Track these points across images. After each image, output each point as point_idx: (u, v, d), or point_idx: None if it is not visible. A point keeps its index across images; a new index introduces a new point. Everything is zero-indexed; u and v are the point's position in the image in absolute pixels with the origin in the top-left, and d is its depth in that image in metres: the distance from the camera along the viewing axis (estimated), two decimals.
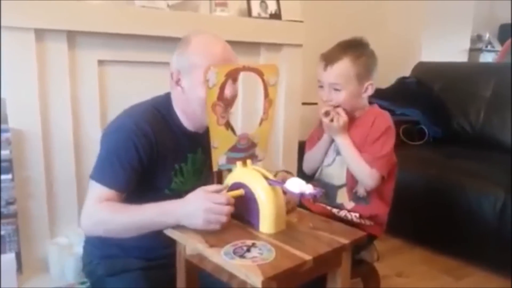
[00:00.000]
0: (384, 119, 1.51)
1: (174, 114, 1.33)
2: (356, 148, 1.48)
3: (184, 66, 1.26)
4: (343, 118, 1.47)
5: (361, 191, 1.52)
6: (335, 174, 1.55)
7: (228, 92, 1.20)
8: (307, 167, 1.65)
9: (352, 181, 1.51)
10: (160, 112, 1.32)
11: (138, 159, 1.22)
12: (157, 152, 1.25)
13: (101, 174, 1.23)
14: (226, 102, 1.20)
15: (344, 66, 1.46)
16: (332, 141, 1.55)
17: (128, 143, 1.21)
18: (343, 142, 1.49)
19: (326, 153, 1.58)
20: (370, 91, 1.51)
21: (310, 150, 1.64)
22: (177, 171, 1.26)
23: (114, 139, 1.26)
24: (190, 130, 1.33)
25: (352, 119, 1.51)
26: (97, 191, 1.22)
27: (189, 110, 1.28)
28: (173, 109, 1.33)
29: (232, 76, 1.15)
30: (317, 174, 1.61)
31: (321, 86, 1.51)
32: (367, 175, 1.46)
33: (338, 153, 1.54)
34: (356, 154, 1.47)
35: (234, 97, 1.27)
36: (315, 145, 1.62)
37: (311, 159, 1.63)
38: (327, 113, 1.49)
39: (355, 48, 1.50)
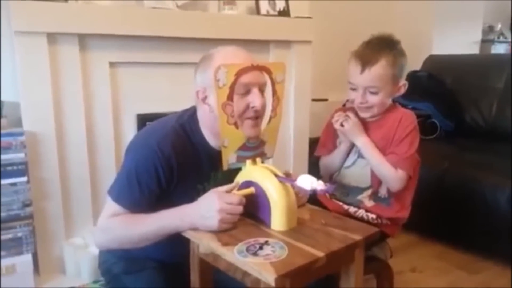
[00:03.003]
0: (410, 119, 1.48)
1: (200, 133, 1.31)
2: (379, 148, 1.45)
3: (210, 82, 1.16)
4: (352, 120, 1.45)
5: (382, 192, 1.50)
6: (355, 176, 1.52)
7: (257, 103, 1.19)
8: (326, 172, 1.61)
9: (377, 184, 1.49)
10: (185, 131, 1.29)
11: (157, 184, 1.23)
12: (177, 176, 1.25)
13: (119, 195, 1.24)
14: (257, 114, 1.21)
15: (382, 69, 1.40)
16: (350, 147, 1.52)
17: (149, 167, 1.21)
18: (364, 143, 1.46)
19: (344, 159, 1.55)
20: (402, 90, 1.48)
21: (328, 157, 1.59)
22: (200, 191, 1.25)
23: (136, 160, 1.25)
24: (215, 148, 1.29)
25: (373, 120, 1.49)
26: (113, 209, 1.24)
27: (216, 128, 1.19)
28: (199, 127, 1.31)
29: (240, 74, 1.14)
30: (335, 175, 1.59)
31: (354, 89, 1.46)
32: (393, 177, 1.43)
33: (359, 155, 1.51)
34: (380, 156, 1.44)
35: (263, 107, 1.23)
36: (328, 150, 1.59)
37: (330, 165, 1.59)
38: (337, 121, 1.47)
39: (390, 47, 1.44)
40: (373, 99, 1.44)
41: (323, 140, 1.63)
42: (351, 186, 1.54)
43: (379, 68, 1.40)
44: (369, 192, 1.51)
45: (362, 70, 1.41)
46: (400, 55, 1.45)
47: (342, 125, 1.47)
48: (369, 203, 1.51)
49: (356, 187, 1.53)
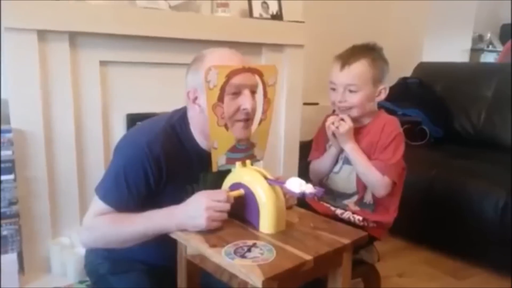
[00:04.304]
0: (393, 125, 1.50)
1: (190, 134, 1.30)
2: (365, 155, 1.47)
3: (201, 83, 1.15)
4: (348, 124, 1.45)
5: (368, 198, 1.51)
6: (342, 182, 1.54)
7: (248, 105, 1.19)
8: (314, 176, 1.62)
9: (362, 190, 1.51)
10: (175, 132, 1.28)
11: (145, 184, 1.22)
12: (166, 176, 1.24)
13: (107, 194, 1.23)
14: (247, 116, 1.21)
15: (362, 67, 1.45)
16: (340, 152, 1.54)
17: (138, 166, 1.20)
18: (352, 149, 1.47)
19: (333, 163, 1.56)
20: (383, 95, 1.50)
21: (317, 161, 1.61)
22: (189, 192, 1.24)
23: (125, 158, 1.24)
24: (205, 149, 1.28)
25: (359, 127, 1.50)
26: (100, 207, 1.23)
27: (207, 130, 1.18)
28: (189, 128, 1.30)
29: (231, 76, 1.14)
30: (324, 180, 1.60)
31: (334, 89, 1.49)
32: (379, 183, 1.45)
33: (345, 162, 1.52)
34: (367, 162, 1.46)
35: (254, 109, 1.23)
36: (321, 153, 1.60)
37: (319, 169, 1.60)
38: (333, 124, 1.48)
39: (371, 51, 1.48)
40: (352, 99, 1.46)
41: (315, 145, 1.64)
42: (338, 191, 1.55)
43: (359, 66, 1.44)
44: (355, 198, 1.53)
45: (342, 68, 1.45)
46: (380, 59, 1.49)
47: (337, 127, 1.47)
48: (354, 208, 1.52)
49: (343, 193, 1.55)
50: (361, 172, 1.47)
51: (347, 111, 1.47)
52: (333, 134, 1.49)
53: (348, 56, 1.46)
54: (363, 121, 1.52)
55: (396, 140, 1.47)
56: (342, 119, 1.47)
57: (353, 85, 1.45)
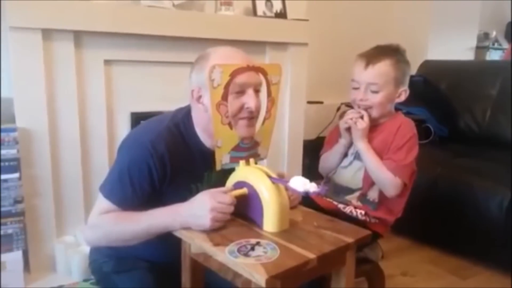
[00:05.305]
0: (409, 127, 1.51)
1: (194, 133, 1.30)
2: (377, 154, 1.48)
3: (205, 82, 1.15)
4: (366, 122, 1.47)
5: (371, 195, 1.52)
6: (349, 177, 1.55)
7: (252, 104, 1.19)
8: (322, 167, 1.64)
9: (367, 187, 1.52)
10: (179, 130, 1.29)
11: (149, 182, 1.22)
12: (170, 175, 1.24)
13: (111, 192, 1.23)
14: (251, 115, 1.21)
15: (385, 67, 1.46)
16: (349, 146, 1.55)
17: (142, 165, 1.21)
18: (364, 148, 1.48)
19: (341, 157, 1.57)
20: (403, 97, 1.51)
21: (326, 154, 1.63)
22: (193, 190, 1.24)
23: (129, 157, 1.25)
24: (209, 148, 1.28)
25: (375, 126, 1.51)
26: (104, 205, 1.23)
27: (210, 128, 1.18)
28: (193, 127, 1.30)
29: (235, 75, 1.14)
30: (331, 173, 1.61)
31: (356, 88, 1.50)
32: (390, 183, 1.45)
33: (356, 157, 1.54)
34: (378, 161, 1.46)
35: (258, 108, 1.23)
36: (333, 147, 1.61)
37: (327, 161, 1.62)
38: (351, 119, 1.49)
39: (395, 52, 1.50)
40: (373, 98, 1.48)
41: (329, 139, 1.66)
42: (342, 186, 1.56)
43: (382, 66, 1.46)
44: (357, 194, 1.54)
45: (366, 66, 1.47)
46: (403, 62, 1.50)
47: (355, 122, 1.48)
48: (356, 204, 1.53)
49: (346, 187, 1.55)
50: (372, 171, 1.48)
51: (366, 110, 1.49)
52: (348, 128, 1.50)
53: (372, 56, 1.48)
54: (379, 120, 1.53)
55: (410, 142, 1.48)
56: (361, 117, 1.48)
57: (375, 84, 1.46)
